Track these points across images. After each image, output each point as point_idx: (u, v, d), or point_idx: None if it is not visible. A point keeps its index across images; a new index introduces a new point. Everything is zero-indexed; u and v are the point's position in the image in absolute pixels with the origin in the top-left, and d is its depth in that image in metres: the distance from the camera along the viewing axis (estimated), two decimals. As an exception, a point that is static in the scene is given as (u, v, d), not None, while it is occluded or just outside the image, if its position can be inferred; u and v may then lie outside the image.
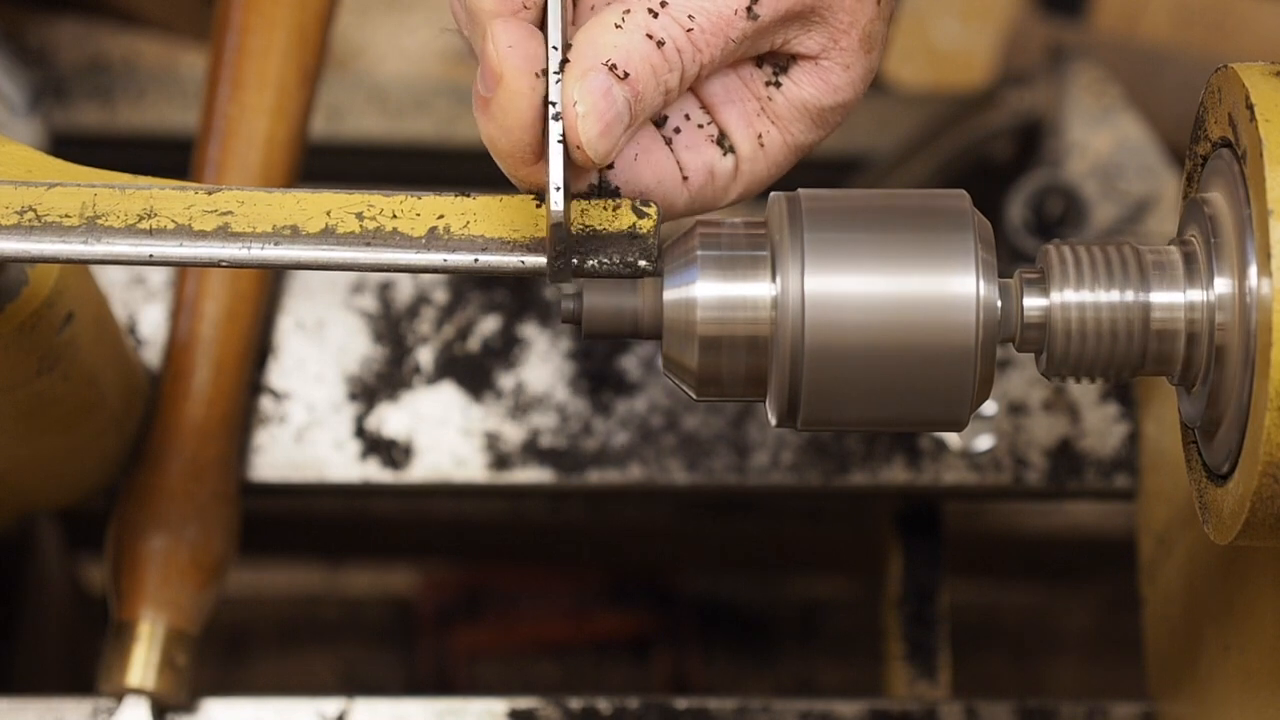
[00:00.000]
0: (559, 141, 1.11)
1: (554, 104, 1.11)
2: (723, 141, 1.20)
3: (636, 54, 1.12)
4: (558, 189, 1.10)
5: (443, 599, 2.31)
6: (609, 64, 1.11)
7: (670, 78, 1.13)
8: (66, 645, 1.96)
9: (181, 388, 1.48)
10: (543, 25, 1.12)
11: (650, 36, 1.12)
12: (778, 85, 1.20)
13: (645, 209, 1.15)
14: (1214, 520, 1.15)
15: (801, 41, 1.18)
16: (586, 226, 1.14)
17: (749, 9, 1.14)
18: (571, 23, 1.17)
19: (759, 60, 1.20)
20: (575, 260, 1.13)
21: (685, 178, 1.19)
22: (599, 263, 1.14)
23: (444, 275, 1.57)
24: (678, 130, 1.19)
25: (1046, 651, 2.35)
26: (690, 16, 1.13)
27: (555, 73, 1.11)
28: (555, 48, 1.11)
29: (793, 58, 1.19)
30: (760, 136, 1.20)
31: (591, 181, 1.16)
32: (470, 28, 1.15)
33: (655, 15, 1.13)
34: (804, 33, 1.18)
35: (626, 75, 1.11)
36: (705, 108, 1.20)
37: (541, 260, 1.14)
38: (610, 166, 1.16)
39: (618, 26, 1.12)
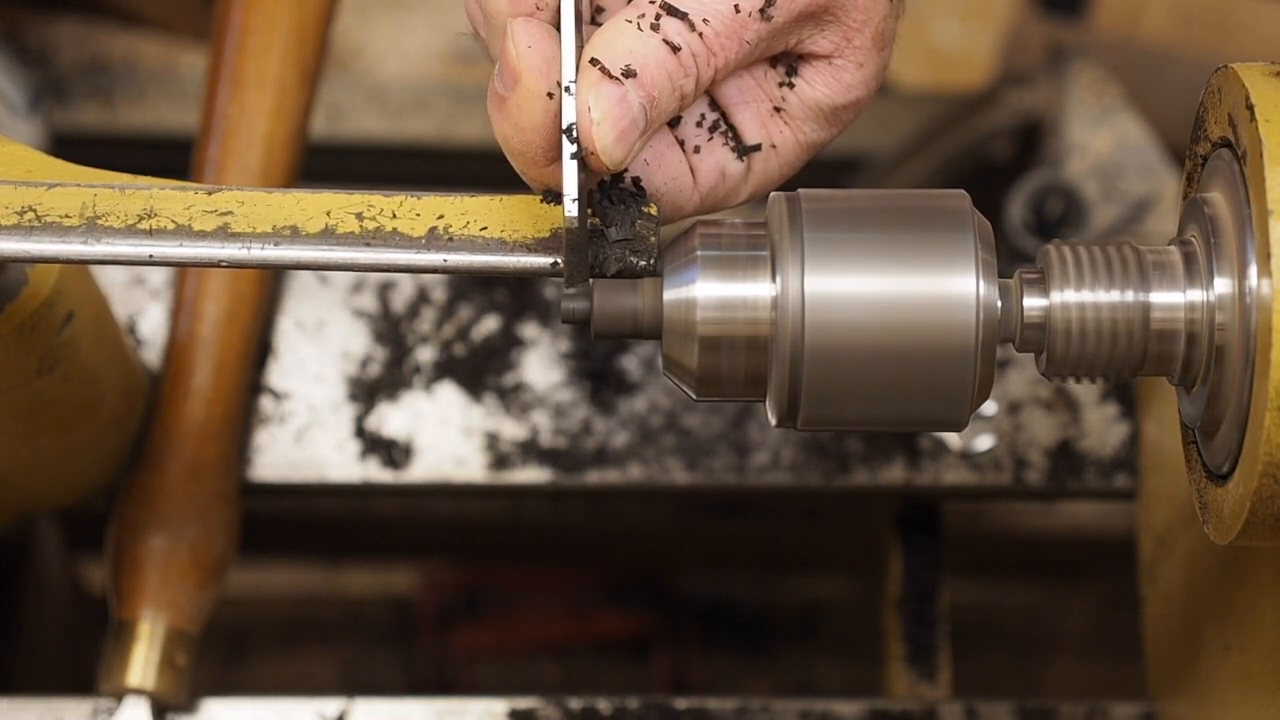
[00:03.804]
0: (573, 147, 1.11)
1: (568, 108, 1.11)
2: (737, 143, 1.20)
3: (652, 59, 1.12)
4: (574, 200, 1.10)
5: (443, 599, 2.31)
6: (625, 70, 1.11)
7: (686, 82, 1.13)
8: (66, 645, 1.96)
9: (181, 388, 1.48)
10: (558, 26, 1.12)
11: (666, 41, 1.12)
12: (791, 85, 1.20)
13: (645, 209, 1.15)
14: (1214, 520, 1.15)
15: (815, 41, 1.18)
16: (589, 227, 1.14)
17: (762, 11, 1.14)
18: (589, 22, 1.17)
19: (772, 60, 1.20)
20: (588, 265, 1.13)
21: (696, 179, 1.19)
22: (598, 264, 1.14)
23: (444, 275, 1.57)
24: (692, 132, 1.19)
25: (1046, 651, 2.35)
26: (705, 20, 1.13)
27: (570, 79, 1.11)
28: (568, 54, 1.11)
29: (806, 57, 1.19)
30: (773, 137, 1.20)
31: (603, 179, 1.16)
32: (487, 28, 1.15)
33: (670, 19, 1.12)
34: (817, 32, 1.18)
35: (642, 81, 1.11)
36: (718, 108, 1.20)
37: (541, 260, 1.14)
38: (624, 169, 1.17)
39: (633, 31, 1.12)
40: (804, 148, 1.21)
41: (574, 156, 1.11)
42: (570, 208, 1.11)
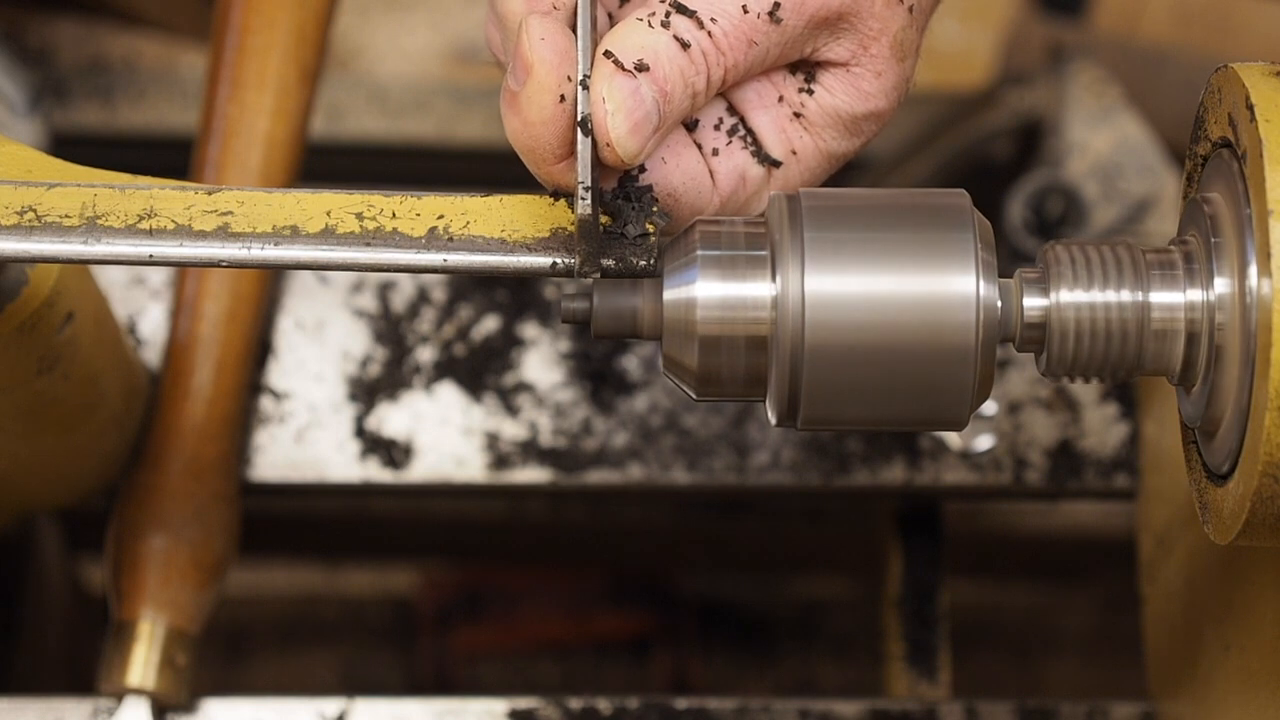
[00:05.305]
0: (587, 138, 1.11)
1: (583, 102, 1.12)
2: (756, 148, 1.20)
3: (664, 55, 1.13)
4: (586, 187, 1.11)
5: (443, 599, 2.31)
6: (637, 64, 1.12)
7: (697, 80, 1.14)
8: (66, 645, 1.96)
9: (181, 388, 1.48)
10: (574, 27, 1.13)
11: (676, 38, 1.14)
12: (810, 93, 1.20)
13: (654, 209, 1.16)
14: (1214, 520, 1.15)
15: (831, 49, 1.19)
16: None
17: (771, 14, 1.15)
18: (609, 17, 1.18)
19: (792, 68, 1.21)
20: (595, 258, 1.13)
21: (716, 182, 1.20)
22: (598, 263, 1.14)
23: (444, 275, 1.57)
24: (710, 135, 1.20)
25: (1046, 651, 2.35)
26: (713, 20, 1.15)
27: (584, 73, 1.12)
28: (584, 47, 1.12)
29: (824, 65, 1.20)
30: (794, 143, 1.21)
31: (621, 177, 1.17)
32: (503, 33, 1.16)
33: (679, 17, 1.14)
34: (834, 40, 1.19)
35: (655, 75, 1.12)
36: (737, 113, 1.21)
37: (541, 260, 1.14)
38: (643, 169, 1.17)
39: (644, 28, 1.13)
40: (826, 157, 1.21)
41: (587, 144, 1.11)
42: (583, 194, 1.11)
